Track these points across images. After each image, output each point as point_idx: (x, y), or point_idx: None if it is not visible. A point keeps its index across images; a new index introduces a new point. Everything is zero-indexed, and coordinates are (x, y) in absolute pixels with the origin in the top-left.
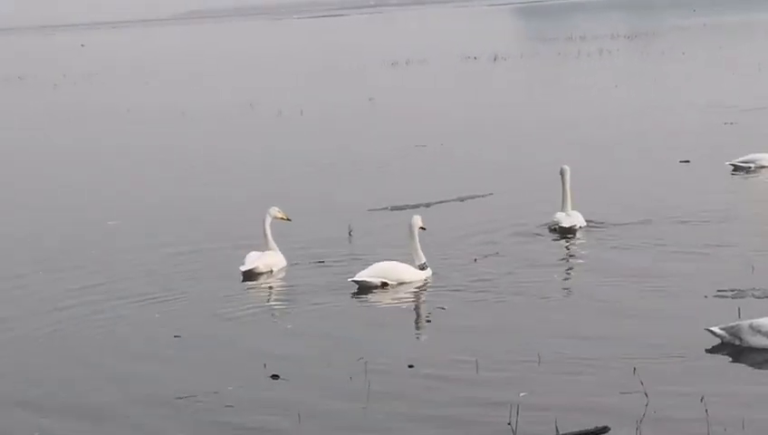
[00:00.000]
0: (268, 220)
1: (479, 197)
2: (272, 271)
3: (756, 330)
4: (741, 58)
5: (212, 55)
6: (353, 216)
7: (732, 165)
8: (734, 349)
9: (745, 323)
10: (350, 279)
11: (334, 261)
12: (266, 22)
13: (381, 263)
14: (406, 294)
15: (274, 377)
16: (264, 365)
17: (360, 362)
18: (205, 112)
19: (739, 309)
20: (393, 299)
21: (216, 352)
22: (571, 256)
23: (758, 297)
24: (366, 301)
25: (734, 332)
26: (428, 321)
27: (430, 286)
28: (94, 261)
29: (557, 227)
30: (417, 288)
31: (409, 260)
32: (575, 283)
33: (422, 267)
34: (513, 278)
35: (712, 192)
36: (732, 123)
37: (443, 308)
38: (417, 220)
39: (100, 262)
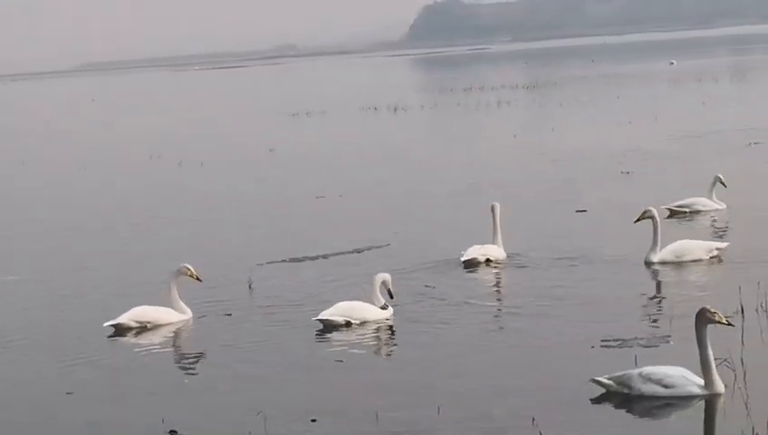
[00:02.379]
0: (176, 277)
1: (375, 248)
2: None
3: (647, 378)
4: (637, 107)
5: (111, 106)
6: (253, 267)
7: (668, 209)
8: (623, 398)
9: (635, 371)
10: (314, 318)
11: (236, 312)
12: (168, 73)
13: (344, 302)
14: (319, 343)
15: (172, 433)
16: (162, 420)
17: (258, 417)
18: (104, 164)
19: (636, 357)
20: (299, 350)
21: (112, 408)
22: (468, 297)
23: (644, 346)
24: (270, 352)
25: (622, 381)
26: (334, 371)
27: (350, 335)
28: None
29: (471, 260)
30: (352, 334)
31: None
32: (468, 326)
33: (383, 308)
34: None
35: (608, 239)
36: (629, 172)
37: (341, 361)
38: (387, 280)
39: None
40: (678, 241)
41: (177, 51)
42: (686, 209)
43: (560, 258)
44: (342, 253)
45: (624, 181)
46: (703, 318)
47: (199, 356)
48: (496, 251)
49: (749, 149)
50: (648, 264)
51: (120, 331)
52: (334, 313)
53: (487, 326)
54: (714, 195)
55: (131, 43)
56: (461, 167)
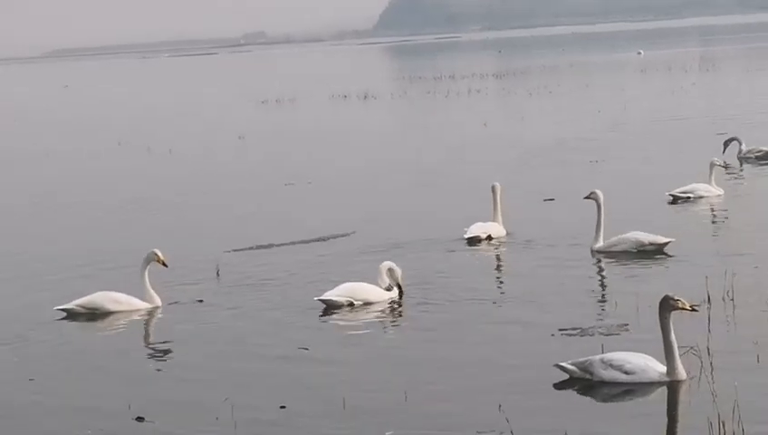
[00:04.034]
0: (146, 264)
1: (342, 235)
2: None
3: (608, 364)
4: (606, 96)
5: (83, 93)
6: (220, 255)
7: (671, 195)
8: (586, 384)
9: (596, 357)
10: (316, 298)
11: (203, 299)
12: (138, 60)
13: (348, 283)
14: (287, 330)
15: (139, 419)
16: (129, 407)
17: (226, 404)
18: (73, 153)
19: (603, 345)
20: (267, 337)
21: (76, 395)
22: (432, 284)
23: (604, 334)
24: (238, 340)
25: (584, 367)
26: (302, 357)
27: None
28: None
29: (473, 237)
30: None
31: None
32: (432, 314)
33: (388, 289)
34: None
35: (573, 226)
36: (597, 161)
37: (306, 349)
38: (391, 266)
39: None
40: (630, 232)
41: (147, 38)
42: (690, 195)
43: (522, 246)
44: (310, 240)
45: (592, 170)
46: (666, 305)
47: (167, 343)
48: (497, 229)
49: (718, 138)
50: (592, 252)
51: (71, 316)
52: (337, 293)
53: (451, 313)
54: (713, 181)
55: (100, 29)
56: (429, 155)
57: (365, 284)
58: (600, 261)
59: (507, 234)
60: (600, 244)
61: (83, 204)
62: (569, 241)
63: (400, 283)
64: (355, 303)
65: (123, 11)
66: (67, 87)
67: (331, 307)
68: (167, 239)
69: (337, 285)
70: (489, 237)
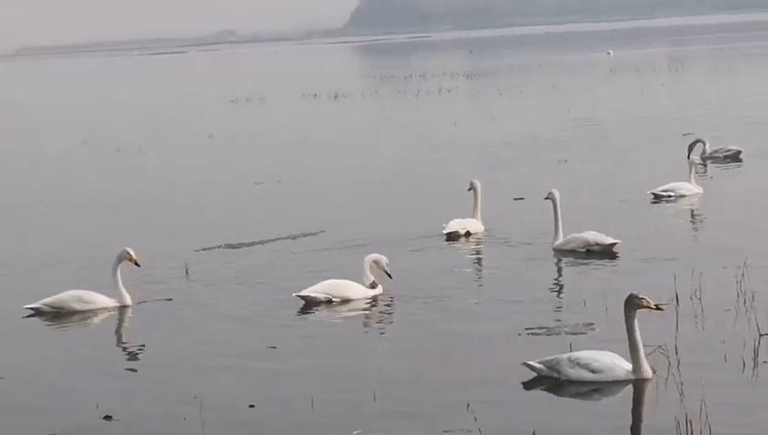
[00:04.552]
0: (118, 262)
1: (311, 234)
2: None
3: (575, 362)
4: (576, 96)
5: (47, 92)
6: (189, 254)
7: (653, 194)
8: (553, 382)
9: (564, 356)
10: (294, 294)
11: (173, 298)
12: (107, 58)
13: (329, 280)
14: (256, 329)
15: (107, 418)
16: (97, 406)
17: (195, 403)
18: (38, 152)
19: (571, 344)
20: (237, 336)
21: (45, 394)
22: (396, 285)
23: (570, 333)
24: (207, 339)
25: (552, 365)
26: (271, 356)
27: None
28: None
29: (452, 232)
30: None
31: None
32: (400, 314)
33: (373, 286)
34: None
35: (542, 225)
36: (566, 160)
37: (274, 347)
38: (377, 258)
39: None
40: (585, 232)
41: (116, 36)
42: (671, 194)
43: (498, 243)
44: (279, 239)
45: (561, 170)
46: (631, 304)
47: (135, 341)
48: (476, 225)
49: (685, 138)
50: (554, 250)
51: (40, 314)
52: (315, 289)
53: (421, 312)
54: (693, 179)
55: (69, 28)
56: (399, 154)
57: (346, 281)
58: (571, 260)
59: (486, 230)
60: (557, 242)
61: (51, 203)
62: (546, 239)
63: (387, 270)
64: (333, 299)
65: (92, 9)
66: (34, 85)
67: (309, 303)
68: (135, 238)
69: (310, 283)
70: (467, 233)
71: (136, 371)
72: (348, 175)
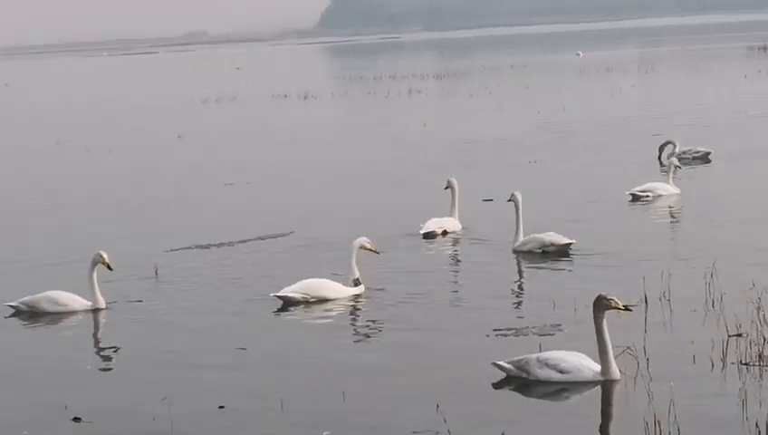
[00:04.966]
0: (93, 266)
1: (280, 235)
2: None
3: (544, 363)
4: (546, 97)
5: (20, 92)
6: (158, 255)
7: (631, 194)
8: (522, 382)
9: (533, 356)
10: (272, 294)
11: (138, 300)
12: (77, 59)
13: (308, 280)
14: (226, 330)
15: (76, 420)
16: (66, 407)
17: (164, 403)
18: (10, 152)
19: (540, 345)
20: (206, 337)
21: (14, 395)
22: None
23: (538, 334)
24: (176, 340)
25: (521, 365)
26: (240, 358)
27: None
28: None
29: (429, 232)
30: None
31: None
32: (368, 314)
33: (356, 283)
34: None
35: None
36: (535, 161)
37: (244, 349)
38: (362, 241)
39: None
40: (543, 233)
41: (87, 36)
42: (649, 194)
43: (473, 242)
44: (248, 240)
45: (530, 171)
46: (600, 305)
47: (105, 343)
48: (453, 224)
49: (655, 139)
50: (513, 251)
51: (18, 314)
52: (294, 289)
53: (390, 312)
54: (671, 180)
55: (39, 28)
56: (369, 154)
57: (326, 280)
58: (542, 261)
59: (463, 229)
60: (516, 243)
61: (21, 204)
62: (497, 243)
63: (374, 248)
64: (311, 299)
65: (62, 10)
66: (7, 85)
67: (285, 304)
68: (104, 238)
69: (280, 284)
70: (444, 232)
71: (105, 372)
72: (318, 175)
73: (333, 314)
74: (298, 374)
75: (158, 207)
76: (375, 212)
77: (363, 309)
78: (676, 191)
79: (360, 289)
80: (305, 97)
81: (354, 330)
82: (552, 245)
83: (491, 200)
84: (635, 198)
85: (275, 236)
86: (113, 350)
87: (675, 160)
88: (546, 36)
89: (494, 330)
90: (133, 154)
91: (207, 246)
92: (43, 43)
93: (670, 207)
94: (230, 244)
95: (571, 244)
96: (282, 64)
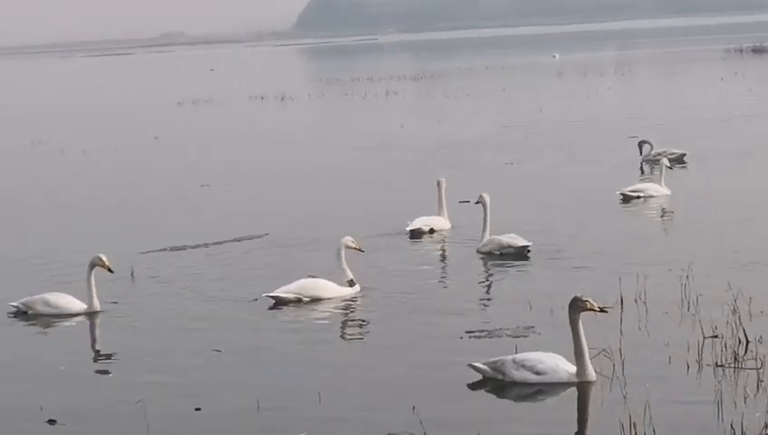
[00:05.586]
0: (91, 268)
1: (256, 237)
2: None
3: (520, 364)
4: (523, 99)
5: None
6: (134, 256)
7: (622, 194)
8: (498, 384)
9: (508, 358)
10: (264, 294)
11: (113, 301)
12: (52, 60)
13: (302, 280)
14: (203, 332)
15: (51, 422)
16: (41, 408)
17: (139, 406)
18: None
19: (516, 347)
20: (182, 339)
21: None
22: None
23: (511, 336)
24: (152, 341)
25: (497, 367)
26: (216, 359)
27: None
28: None
29: (416, 230)
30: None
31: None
32: (346, 316)
33: (351, 283)
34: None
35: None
36: (512, 163)
37: (218, 350)
38: (347, 241)
39: None
40: (505, 234)
41: (62, 37)
42: (640, 195)
43: (458, 242)
44: (224, 241)
45: (507, 172)
46: (575, 306)
47: (80, 345)
48: (441, 222)
49: (632, 140)
50: (477, 252)
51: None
52: (287, 289)
53: (367, 313)
54: (663, 181)
55: (13, 29)
56: (346, 156)
57: (321, 280)
58: (520, 262)
59: (452, 228)
60: (479, 245)
61: None
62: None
63: (360, 248)
64: (304, 299)
65: (37, 10)
66: None
67: (279, 303)
68: (78, 240)
69: (258, 285)
70: (431, 231)
71: (80, 374)
72: (295, 177)
73: (311, 315)
74: (274, 375)
75: (134, 209)
76: (351, 213)
77: (340, 310)
78: (666, 192)
79: (355, 289)
80: (282, 98)
81: (330, 330)
82: (509, 247)
83: (467, 202)
84: (626, 198)
85: (251, 238)
86: (88, 351)
87: (665, 161)
88: (523, 38)
89: (467, 332)
90: (108, 155)
91: (183, 248)
92: (16, 44)
93: (658, 209)
94: (205, 245)
95: (527, 246)
96: (259, 66)
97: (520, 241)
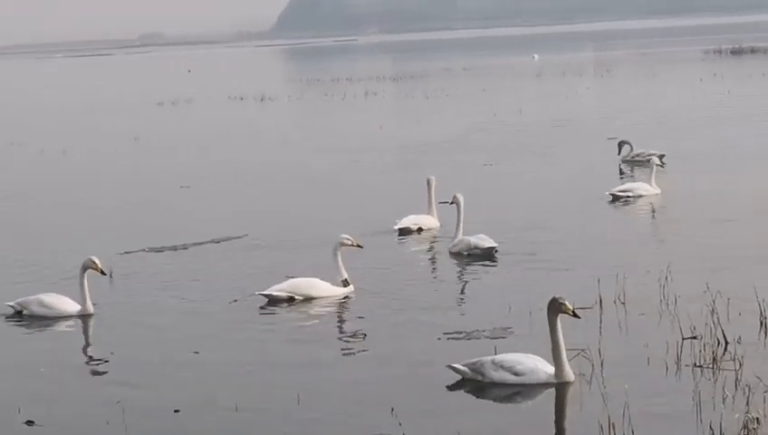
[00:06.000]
0: (84, 271)
1: (235, 238)
2: None
3: (499, 365)
4: (502, 100)
5: None
6: (112, 257)
7: (611, 194)
8: (477, 385)
9: (487, 359)
10: (257, 292)
11: (95, 302)
12: (30, 61)
13: (295, 278)
14: (181, 333)
15: (29, 423)
16: (19, 410)
17: (118, 408)
18: None
19: (495, 348)
20: (161, 341)
21: None
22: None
23: (489, 337)
24: (131, 343)
25: (476, 368)
26: (195, 361)
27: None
28: None
29: (404, 228)
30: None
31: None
32: (329, 317)
33: (345, 283)
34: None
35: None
36: (491, 164)
37: (196, 352)
38: (343, 238)
39: None
40: (475, 235)
41: (40, 38)
42: (630, 194)
43: (447, 241)
44: (203, 242)
45: (486, 173)
46: (554, 308)
47: (58, 346)
48: (429, 221)
49: (611, 141)
50: (449, 252)
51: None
52: (279, 288)
53: (346, 314)
54: (653, 180)
55: None
56: (325, 157)
57: (314, 279)
58: (502, 262)
59: (441, 226)
60: (450, 245)
61: None
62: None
63: (358, 244)
64: (296, 298)
65: (14, 11)
66: None
67: (271, 302)
68: (56, 241)
69: (236, 286)
70: (420, 229)
71: (58, 375)
72: (274, 178)
73: (293, 315)
74: (253, 377)
75: (113, 209)
76: (331, 214)
77: (323, 310)
78: (656, 191)
79: (349, 289)
80: (262, 99)
81: (308, 331)
82: (476, 248)
83: (447, 202)
84: (615, 198)
85: (229, 239)
86: (66, 353)
87: (656, 160)
88: (502, 39)
89: (445, 333)
90: (88, 156)
91: (162, 249)
92: None
93: (647, 208)
94: (184, 247)
95: (494, 248)
96: (238, 67)
97: (487, 242)
